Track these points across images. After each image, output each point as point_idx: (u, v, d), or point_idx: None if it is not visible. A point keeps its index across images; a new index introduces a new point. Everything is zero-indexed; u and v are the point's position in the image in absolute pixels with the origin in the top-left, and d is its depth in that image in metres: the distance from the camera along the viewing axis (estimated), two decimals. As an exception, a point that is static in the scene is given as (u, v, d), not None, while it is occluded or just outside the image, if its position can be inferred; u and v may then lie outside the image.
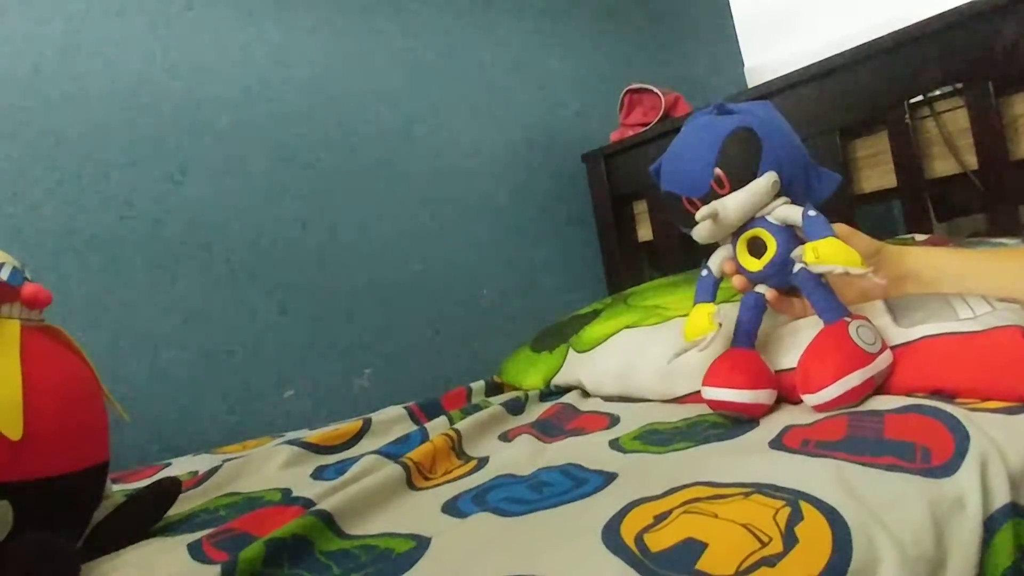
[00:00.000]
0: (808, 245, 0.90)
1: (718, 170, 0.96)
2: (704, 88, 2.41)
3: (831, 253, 0.88)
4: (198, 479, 1.08)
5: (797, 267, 0.95)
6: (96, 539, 0.84)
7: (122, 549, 0.83)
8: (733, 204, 0.96)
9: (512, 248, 2.08)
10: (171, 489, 0.93)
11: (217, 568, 0.66)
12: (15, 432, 0.71)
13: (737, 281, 1.01)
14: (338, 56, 1.83)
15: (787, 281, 0.98)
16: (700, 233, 1.00)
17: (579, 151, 2.17)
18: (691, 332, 0.98)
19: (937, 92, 1.39)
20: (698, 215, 0.96)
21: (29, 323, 0.81)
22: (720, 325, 0.95)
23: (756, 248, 0.99)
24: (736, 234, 1.00)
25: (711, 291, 1.03)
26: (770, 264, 0.97)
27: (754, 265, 0.99)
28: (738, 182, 0.96)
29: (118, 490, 1.08)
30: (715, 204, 0.96)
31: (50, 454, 0.77)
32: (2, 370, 0.74)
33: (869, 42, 1.43)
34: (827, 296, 0.93)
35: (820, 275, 0.93)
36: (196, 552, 0.78)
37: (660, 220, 1.95)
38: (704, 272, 1.04)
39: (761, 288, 1.00)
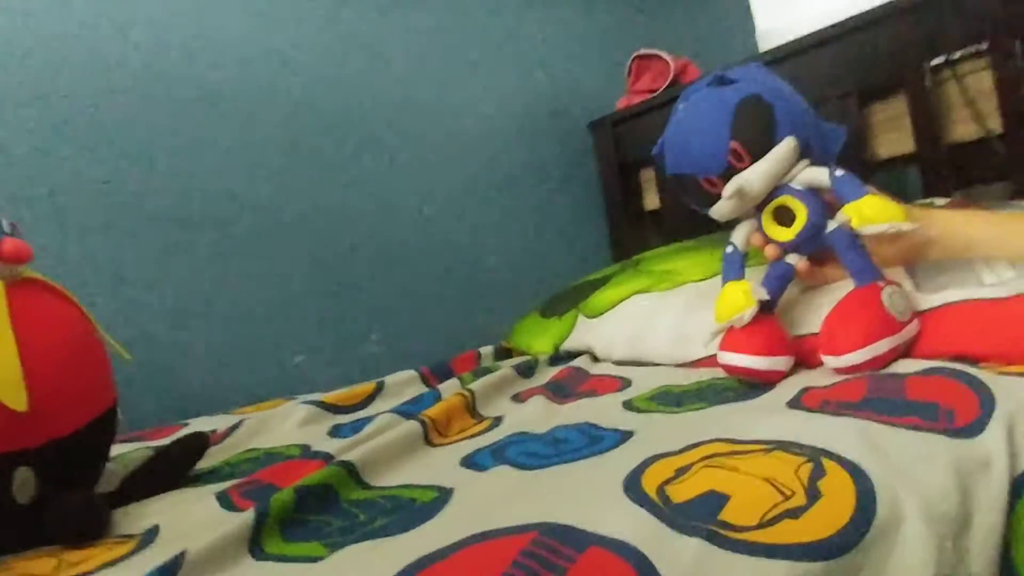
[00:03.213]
0: (849, 207, 0.88)
1: (735, 144, 0.93)
2: (715, 53, 2.37)
3: (876, 212, 0.86)
4: (219, 436, 1.09)
5: (832, 227, 0.93)
6: (126, 490, 0.85)
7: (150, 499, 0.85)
8: (757, 176, 0.92)
9: (518, 215, 2.07)
10: (200, 442, 0.94)
11: (251, 512, 0.67)
12: (20, 403, 0.71)
13: (771, 251, 0.98)
14: (342, 27, 1.81)
15: (819, 246, 0.96)
16: (722, 211, 0.97)
17: (586, 119, 2.16)
18: (725, 311, 0.94)
19: (959, 53, 1.34)
20: (725, 193, 0.93)
21: (12, 279, 0.79)
22: (758, 302, 0.92)
23: (783, 216, 0.96)
24: (759, 205, 0.97)
25: (739, 267, 0.99)
26: (803, 231, 0.94)
27: (785, 234, 0.95)
28: (757, 153, 0.93)
29: (141, 447, 1.10)
30: (739, 180, 0.92)
31: (60, 413, 0.77)
32: None
33: (887, 2, 1.41)
34: (862, 257, 0.91)
35: (856, 235, 0.90)
36: (224, 501, 0.79)
37: (668, 188, 1.93)
38: (729, 249, 1.01)
39: (791, 258, 0.98)
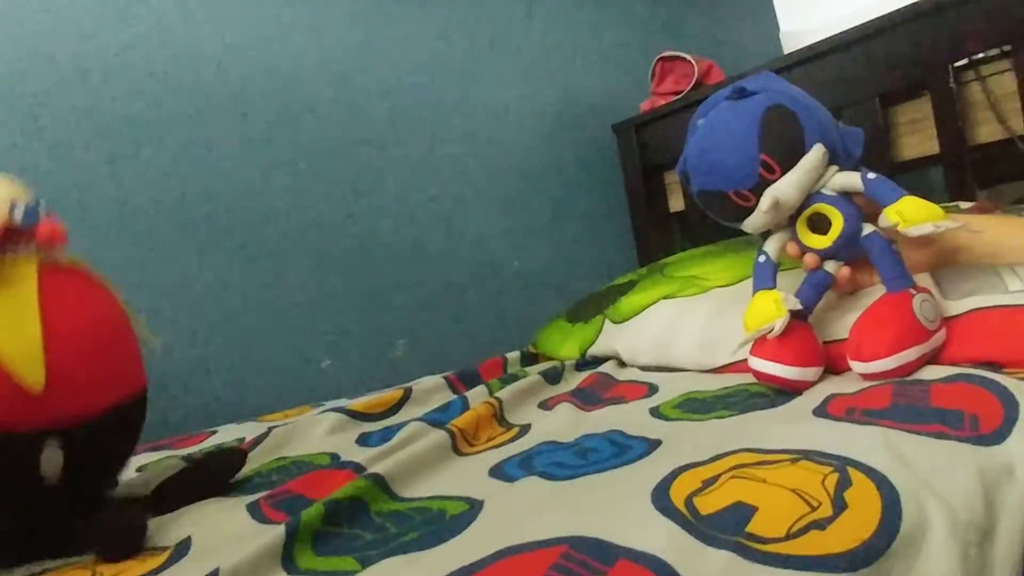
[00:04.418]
0: (890, 210, 0.87)
1: (765, 156, 0.92)
2: (739, 55, 2.37)
3: (918, 213, 0.85)
4: (247, 445, 1.10)
5: (867, 231, 0.92)
6: (161, 497, 0.86)
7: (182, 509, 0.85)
8: (791, 187, 0.92)
9: (542, 219, 2.08)
10: (237, 459, 0.94)
11: (282, 527, 0.68)
12: (38, 381, 0.70)
13: (810, 260, 0.96)
14: (368, 25, 1.82)
15: (856, 252, 0.95)
16: (756, 224, 0.96)
17: (610, 121, 2.16)
18: (754, 320, 0.93)
19: (982, 55, 1.35)
20: (762, 207, 0.92)
21: (48, 262, 0.77)
22: (790, 312, 0.91)
23: (817, 224, 0.95)
24: (792, 215, 0.96)
25: (771, 277, 0.97)
26: (840, 238, 0.93)
27: (821, 242, 0.95)
28: (787, 164, 0.92)
29: (170, 455, 1.11)
30: (774, 192, 0.91)
31: (87, 393, 0.76)
32: (20, 316, 0.71)
33: (912, 4, 1.40)
34: (896, 263, 0.91)
35: (890, 240, 0.90)
36: (255, 512, 0.80)
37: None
38: (761, 258, 0.99)
39: (830, 266, 0.97)
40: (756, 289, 0.97)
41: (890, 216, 0.87)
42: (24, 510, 0.75)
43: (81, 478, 0.77)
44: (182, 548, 0.74)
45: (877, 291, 0.93)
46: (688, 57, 1.99)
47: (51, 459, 0.72)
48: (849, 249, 0.95)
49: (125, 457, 0.86)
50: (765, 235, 1.01)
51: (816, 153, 0.92)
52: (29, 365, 0.70)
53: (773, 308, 0.91)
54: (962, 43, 1.34)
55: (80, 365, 0.75)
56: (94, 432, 0.77)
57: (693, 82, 1.98)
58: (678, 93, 2.00)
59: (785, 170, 0.93)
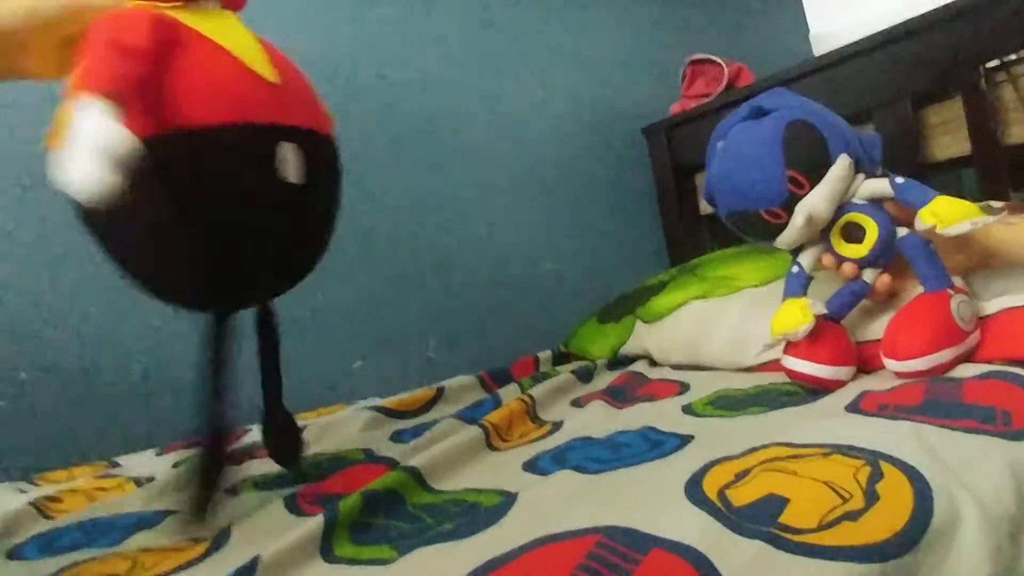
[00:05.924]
0: (925, 212, 0.87)
1: (792, 172, 0.93)
2: (769, 57, 2.36)
3: (951, 212, 0.85)
4: None
5: (902, 233, 0.92)
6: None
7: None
8: (821, 200, 0.92)
9: (573, 221, 2.08)
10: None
11: (320, 517, 0.69)
12: (273, 75, 0.73)
13: (848, 270, 0.96)
14: (388, 30, 1.83)
15: (893, 257, 0.95)
16: (789, 239, 0.97)
17: (640, 124, 2.16)
18: (780, 325, 0.93)
19: (1014, 56, 1.34)
20: (795, 223, 0.93)
21: None
22: (816, 317, 0.91)
23: (851, 234, 0.95)
24: (824, 228, 0.97)
25: (802, 287, 0.98)
26: (876, 245, 0.93)
27: (857, 251, 0.95)
28: (815, 177, 0.93)
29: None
30: (806, 207, 0.92)
31: (311, 110, 0.81)
32: (240, 33, 0.75)
33: (942, 5, 1.40)
34: (933, 264, 0.90)
35: (927, 242, 0.90)
36: (292, 506, 0.82)
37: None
38: (795, 269, 0.99)
39: (868, 275, 0.97)
40: (786, 297, 0.98)
41: (926, 218, 0.87)
42: (271, 209, 0.77)
43: (316, 193, 0.83)
44: (221, 538, 0.75)
45: (912, 292, 0.93)
46: (718, 60, 1.99)
47: (289, 157, 0.74)
48: (886, 255, 0.95)
49: (336, 209, 0.93)
50: (797, 250, 1.02)
51: (842, 163, 0.93)
52: (262, 64, 0.73)
53: (799, 314, 0.92)
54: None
55: (299, 82, 0.81)
56: (321, 148, 0.82)
57: (723, 85, 1.97)
58: (708, 96, 2.00)
59: (813, 184, 0.93)
